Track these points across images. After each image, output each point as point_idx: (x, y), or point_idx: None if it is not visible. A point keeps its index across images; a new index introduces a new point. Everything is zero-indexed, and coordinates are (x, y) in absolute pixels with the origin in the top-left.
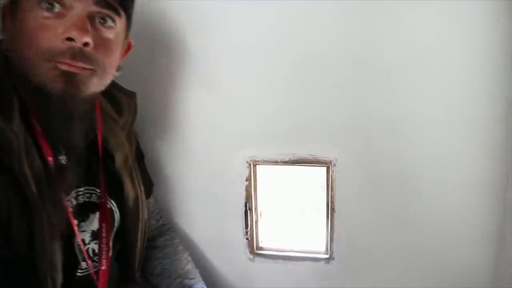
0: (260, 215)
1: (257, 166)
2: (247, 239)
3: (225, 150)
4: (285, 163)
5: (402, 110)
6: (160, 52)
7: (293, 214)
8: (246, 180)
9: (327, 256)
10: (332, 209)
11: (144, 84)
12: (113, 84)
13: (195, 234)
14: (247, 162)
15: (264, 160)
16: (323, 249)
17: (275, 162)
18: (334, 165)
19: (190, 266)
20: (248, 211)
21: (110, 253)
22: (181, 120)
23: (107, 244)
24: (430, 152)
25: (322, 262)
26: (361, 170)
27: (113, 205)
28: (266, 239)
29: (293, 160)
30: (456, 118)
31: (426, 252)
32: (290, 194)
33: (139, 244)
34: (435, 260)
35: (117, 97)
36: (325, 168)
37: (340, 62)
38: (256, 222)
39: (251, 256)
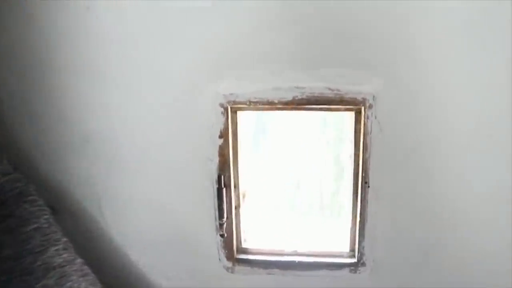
0: (243, 197)
1: (239, 112)
2: (221, 235)
3: (184, 83)
4: (287, 105)
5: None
6: None
7: (296, 194)
8: (220, 136)
9: (354, 260)
10: (365, 182)
11: None
12: None
13: (136, 229)
14: (221, 105)
15: (250, 101)
16: (347, 249)
17: (270, 104)
18: (371, 106)
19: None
20: (224, 190)
21: None
22: (111, 36)
23: None
24: None
25: (346, 271)
26: (414, 114)
27: None
28: (253, 236)
29: (299, 100)
30: None
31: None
32: (293, 161)
33: None
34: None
35: None
36: (353, 113)
37: None
38: (237, 207)
39: (229, 264)
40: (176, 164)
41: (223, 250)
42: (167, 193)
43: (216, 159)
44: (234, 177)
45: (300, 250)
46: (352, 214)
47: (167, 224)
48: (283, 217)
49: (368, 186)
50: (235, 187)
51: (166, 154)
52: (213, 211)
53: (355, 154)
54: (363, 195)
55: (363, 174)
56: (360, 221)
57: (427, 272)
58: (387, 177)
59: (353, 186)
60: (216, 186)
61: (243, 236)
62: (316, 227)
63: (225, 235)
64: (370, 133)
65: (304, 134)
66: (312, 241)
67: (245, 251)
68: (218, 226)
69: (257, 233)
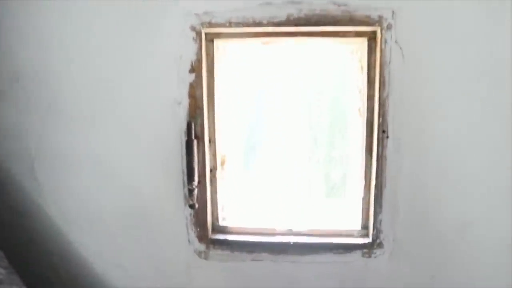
0: (223, 163)
1: (216, 40)
2: (191, 206)
3: None
4: (279, 26)
5: None
6: None
7: (291, 153)
8: (192, 71)
9: (368, 240)
10: (383, 131)
11: None
12: None
13: (79, 199)
14: (192, 28)
15: (230, 22)
16: (358, 225)
17: (257, 26)
18: (389, 27)
19: None
20: (195, 143)
21: None
22: None
23: None
24: None
25: (358, 254)
26: (449, 33)
27: None
28: (233, 210)
29: (296, 20)
30: None
31: None
32: (286, 108)
33: None
34: None
35: None
36: (365, 39)
37: None
38: (213, 170)
39: (201, 247)
40: (132, 109)
41: (193, 228)
42: (121, 150)
43: (186, 102)
44: (209, 128)
45: (296, 229)
46: (365, 177)
47: (120, 192)
48: (274, 190)
49: (387, 137)
50: (210, 141)
51: (119, 96)
52: (180, 173)
53: (368, 95)
54: (380, 149)
55: (380, 121)
56: (376, 185)
57: (466, 252)
58: (412, 123)
59: (366, 139)
60: (184, 138)
61: (221, 212)
62: (317, 200)
63: (196, 206)
64: (389, 63)
65: (302, 71)
66: (312, 218)
67: (223, 230)
68: (187, 194)
69: (240, 210)
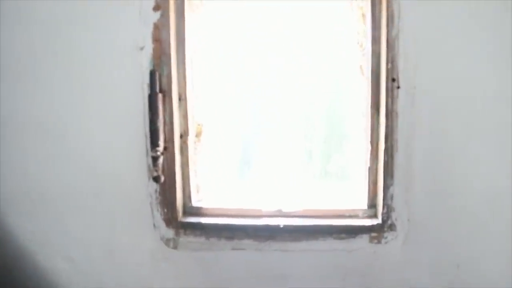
0: (199, 134)
1: None
2: (155, 179)
3: None
4: None
5: None
6: None
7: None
8: (156, 8)
9: (377, 221)
10: (393, 80)
11: None
12: None
13: (20, 171)
14: None
15: None
16: (364, 204)
17: None
18: None
19: None
20: (160, 97)
21: None
22: None
23: None
24: None
25: (364, 240)
26: None
27: None
28: (212, 186)
29: None
30: None
31: None
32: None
33: None
34: None
35: None
36: None
37: None
38: (184, 136)
39: (169, 233)
40: (83, 56)
41: (159, 209)
42: (69, 109)
43: (149, 47)
44: (178, 80)
45: (286, 210)
46: (372, 139)
47: (69, 163)
48: (260, 167)
49: (398, 87)
50: (180, 99)
51: (66, 40)
52: (143, 137)
53: (373, 38)
54: (389, 103)
55: (389, 67)
56: (386, 150)
57: (499, 234)
58: (429, 68)
59: (372, 92)
60: (147, 92)
61: (194, 193)
62: (310, 175)
63: (162, 179)
64: None
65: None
66: (306, 196)
67: (196, 211)
68: (151, 163)
69: (218, 190)
